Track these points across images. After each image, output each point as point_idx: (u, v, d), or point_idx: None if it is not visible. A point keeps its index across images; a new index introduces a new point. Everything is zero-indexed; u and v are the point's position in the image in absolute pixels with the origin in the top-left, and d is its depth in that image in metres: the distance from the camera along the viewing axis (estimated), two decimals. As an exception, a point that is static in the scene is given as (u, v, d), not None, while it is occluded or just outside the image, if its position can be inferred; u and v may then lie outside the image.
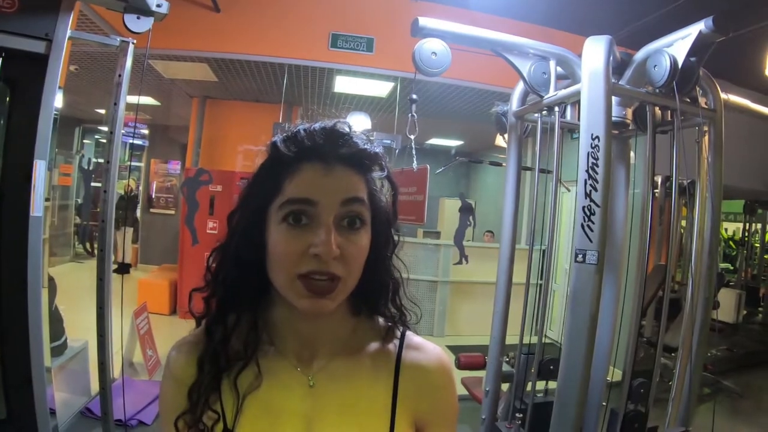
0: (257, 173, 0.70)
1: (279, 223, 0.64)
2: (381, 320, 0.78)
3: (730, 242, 9.24)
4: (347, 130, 0.68)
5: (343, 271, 0.63)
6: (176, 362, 0.72)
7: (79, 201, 8.55)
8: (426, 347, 0.77)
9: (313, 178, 0.64)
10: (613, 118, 1.91)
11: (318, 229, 0.62)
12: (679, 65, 1.83)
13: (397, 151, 4.33)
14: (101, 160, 7.47)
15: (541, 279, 2.21)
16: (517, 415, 2.19)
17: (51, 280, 3.01)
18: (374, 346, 0.75)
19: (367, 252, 0.67)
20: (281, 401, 0.69)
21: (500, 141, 2.71)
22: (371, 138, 0.70)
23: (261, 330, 0.72)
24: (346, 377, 0.72)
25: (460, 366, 2.60)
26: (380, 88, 5.49)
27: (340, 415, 0.69)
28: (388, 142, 4.41)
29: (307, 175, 0.64)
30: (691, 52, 1.83)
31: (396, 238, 0.75)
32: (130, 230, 8.32)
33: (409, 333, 0.78)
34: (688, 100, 2.02)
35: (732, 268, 8.53)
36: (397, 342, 0.76)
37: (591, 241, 1.77)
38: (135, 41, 2.13)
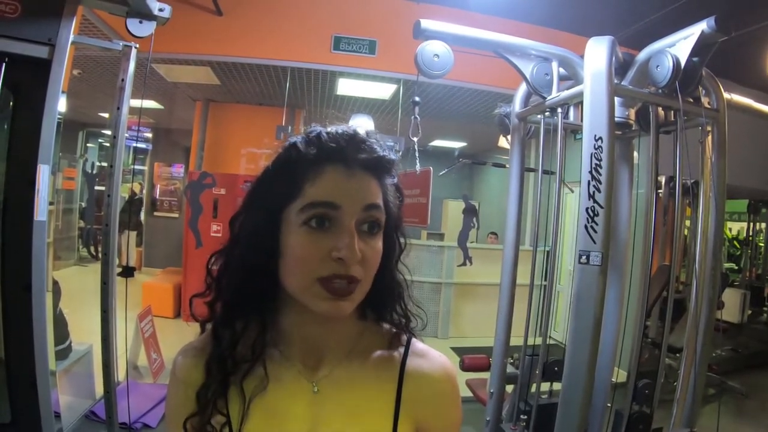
0: (267, 175, 0.69)
1: (299, 226, 0.64)
2: (387, 326, 0.78)
3: (735, 242, 9.19)
4: (366, 136, 0.68)
5: (362, 274, 0.64)
6: (183, 367, 0.72)
7: (83, 205, 8.55)
8: (430, 355, 0.77)
9: (336, 182, 0.64)
10: (616, 119, 1.91)
11: (341, 234, 0.62)
12: (682, 65, 1.82)
13: (400, 153, 4.33)
14: (105, 164, 7.52)
15: (545, 280, 2.21)
16: (522, 416, 2.18)
17: (55, 283, 3.01)
18: (379, 352, 0.75)
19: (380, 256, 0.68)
20: (286, 407, 0.69)
21: (503, 142, 2.71)
22: (385, 145, 0.70)
23: (268, 334, 0.71)
24: (350, 384, 0.71)
25: (465, 368, 2.59)
26: (383, 91, 5.50)
27: (344, 421, 0.69)
28: (391, 144, 4.40)
29: (330, 178, 0.64)
30: (694, 52, 1.82)
31: (403, 242, 0.75)
32: (133, 233, 8.33)
33: (414, 340, 0.78)
34: (691, 100, 2.02)
35: (736, 267, 8.48)
36: (402, 349, 0.76)
37: (595, 242, 1.76)
38: (138, 45, 2.15)
